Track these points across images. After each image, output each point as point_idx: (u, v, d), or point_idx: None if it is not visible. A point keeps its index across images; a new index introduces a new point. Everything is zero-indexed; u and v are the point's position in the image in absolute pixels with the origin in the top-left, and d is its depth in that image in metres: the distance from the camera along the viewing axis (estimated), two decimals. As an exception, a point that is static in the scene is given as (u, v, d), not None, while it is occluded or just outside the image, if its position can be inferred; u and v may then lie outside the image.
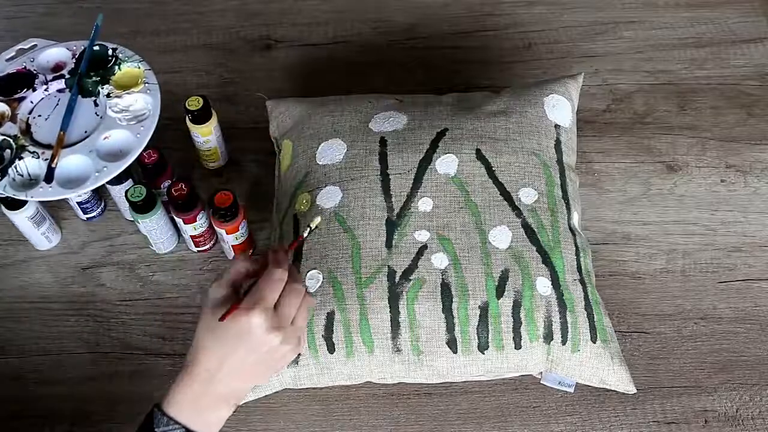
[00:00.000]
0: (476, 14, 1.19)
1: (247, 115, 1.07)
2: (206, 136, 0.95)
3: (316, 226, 0.73)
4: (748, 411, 0.83)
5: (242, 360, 0.66)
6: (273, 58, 1.14)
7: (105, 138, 0.88)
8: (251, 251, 0.93)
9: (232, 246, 0.90)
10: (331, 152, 0.87)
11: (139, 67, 0.93)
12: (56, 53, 0.96)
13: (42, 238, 0.94)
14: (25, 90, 0.93)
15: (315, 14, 1.19)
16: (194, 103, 0.92)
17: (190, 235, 0.91)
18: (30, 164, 0.87)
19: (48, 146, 0.88)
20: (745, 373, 0.85)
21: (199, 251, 0.94)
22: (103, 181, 0.85)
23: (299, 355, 0.77)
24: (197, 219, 0.89)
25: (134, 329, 0.89)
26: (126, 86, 0.91)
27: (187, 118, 0.94)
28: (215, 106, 0.95)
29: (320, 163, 0.86)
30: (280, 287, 0.66)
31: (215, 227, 0.89)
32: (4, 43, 1.16)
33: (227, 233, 0.88)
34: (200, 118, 0.93)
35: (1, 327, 0.90)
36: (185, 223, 0.88)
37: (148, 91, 0.91)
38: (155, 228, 0.90)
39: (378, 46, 1.15)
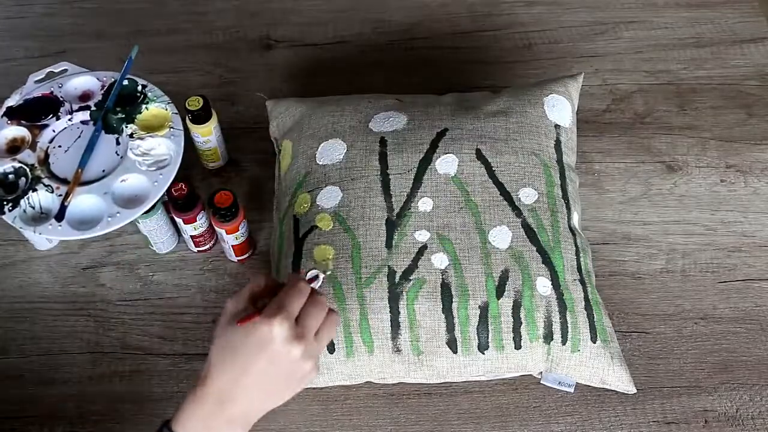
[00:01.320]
0: (476, 14, 1.19)
1: (247, 115, 1.07)
2: (206, 136, 0.95)
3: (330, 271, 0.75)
4: (748, 411, 0.83)
5: (260, 375, 0.62)
6: (273, 58, 1.14)
7: (122, 180, 0.87)
8: (251, 252, 0.93)
9: (232, 246, 0.90)
10: (331, 152, 0.87)
11: (166, 109, 0.92)
12: (85, 82, 0.96)
13: (42, 238, 0.94)
14: (49, 117, 0.92)
15: (315, 14, 1.19)
16: (194, 103, 0.92)
17: (190, 235, 0.91)
18: (43, 197, 0.87)
19: (64, 181, 0.88)
20: (745, 373, 0.85)
21: (199, 251, 0.94)
22: (114, 228, 0.85)
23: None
24: (197, 219, 0.89)
25: (134, 329, 0.89)
26: (150, 128, 0.91)
27: (187, 118, 0.94)
28: (215, 106, 0.95)
29: (320, 163, 0.86)
30: (303, 299, 0.63)
31: (215, 227, 0.89)
32: (5, 42, 1.16)
33: (227, 233, 0.88)
34: (200, 118, 0.93)
35: (1, 327, 0.90)
36: (185, 223, 0.89)
37: (172, 137, 0.90)
38: (155, 228, 0.90)
39: (378, 46, 1.15)
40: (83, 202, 0.87)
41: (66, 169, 0.90)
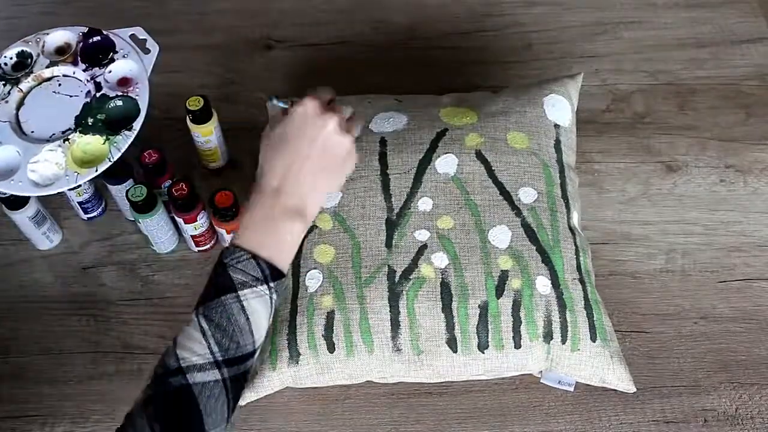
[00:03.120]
0: (476, 14, 1.19)
1: (247, 115, 1.07)
2: (206, 136, 0.95)
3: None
4: (747, 410, 0.83)
5: (305, 158, 0.68)
6: (273, 58, 1.14)
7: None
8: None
9: (233, 246, 0.90)
10: (332, 152, 0.87)
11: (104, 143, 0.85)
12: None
13: (43, 237, 0.94)
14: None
15: (315, 14, 1.19)
16: (195, 103, 0.92)
17: (191, 235, 0.91)
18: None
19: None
20: (744, 372, 0.85)
21: (199, 251, 0.94)
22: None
23: (299, 355, 0.78)
24: (198, 219, 0.89)
25: (135, 329, 0.89)
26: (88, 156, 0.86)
27: (187, 118, 0.94)
28: (215, 106, 0.95)
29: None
30: (329, 95, 0.71)
31: (215, 227, 0.89)
32: (4, 42, 1.16)
33: (228, 233, 0.88)
34: (201, 118, 0.93)
35: (2, 326, 0.90)
36: (186, 222, 0.89)
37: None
38: (156, 228, 0.90)
39: (378, 46, 1.15)
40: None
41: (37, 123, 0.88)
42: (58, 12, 1.21)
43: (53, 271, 0.94)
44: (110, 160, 0.83)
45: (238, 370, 0.64)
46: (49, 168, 0.85)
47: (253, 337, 0.65)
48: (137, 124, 0.85)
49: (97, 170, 0.83)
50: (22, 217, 0.90)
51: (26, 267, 0.95)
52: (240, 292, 0.64)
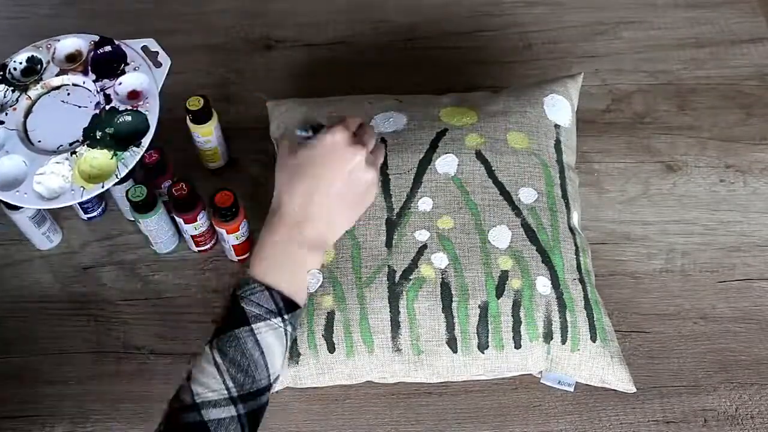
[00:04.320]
0: (476, 14, 1.19)
1: (247, 115, 1.07)
2: (206, 136, 0.95)
3: None
4: (747, 410, 0.83)
5: (329, 187, 0.65)
6: (273, 58, 1.14)
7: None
8: (251, 252, 0.94)
9: (233, 246, 0.90)
10: (331, 152, 0.87)
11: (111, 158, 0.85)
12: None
13: (43, 237, 0.94)
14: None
15: (315, 14, 1.19)
16: (195, 103, 0.92)
17: (191, 235, 0.91)
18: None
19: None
20: (744, 372, 0.85)
21: (199, 251, 0.94)
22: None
23: (299, 355, 0.78)
24: (198, 219, 0.89)
25: (135, 329, 0.89)
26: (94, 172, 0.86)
27: (187, 118, 0.94)
28: (215, 106, 0.95)
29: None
30: (358, 121, 0.68)
31: (216, 227, 0.89)
32: (7, 43, 1.17)
33: (228, 233, 0.88)
34: (201, 118, 0.93)
35: (2, 327, 0.90)
36: (186, 223, 0.89)
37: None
38: (156, 228, 0.90)
39: (378, 46, 1.15)
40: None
41: (43, 132, 0.87)
42: (60, 13, 1.21)
43: (53, 271, 0.94)
44: (117, 177, 0.83)
45: (255, 405, 0.63)
46: (56, 181, 0.84)
47: (269, 372, 0.64)
48: (146, 141, 0.85)
49: (103, 186, 0.83)
50: (22, 217, 0.90)
51: (26, 267, 0.95)
52: (254, 326, 0.63)
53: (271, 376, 0.64)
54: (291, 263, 0.65)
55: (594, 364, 0.79)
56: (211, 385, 0.61)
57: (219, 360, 0.62)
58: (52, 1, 1.22)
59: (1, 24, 1.20)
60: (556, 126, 0.88)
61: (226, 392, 0.61)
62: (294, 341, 0.78)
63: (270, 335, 0.64)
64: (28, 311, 0.91)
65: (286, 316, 0.64)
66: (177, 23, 1.18)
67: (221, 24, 1.18)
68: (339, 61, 1.13)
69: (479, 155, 0.84)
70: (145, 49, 0.93)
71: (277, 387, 0.80)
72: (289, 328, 0.65)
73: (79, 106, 0.90)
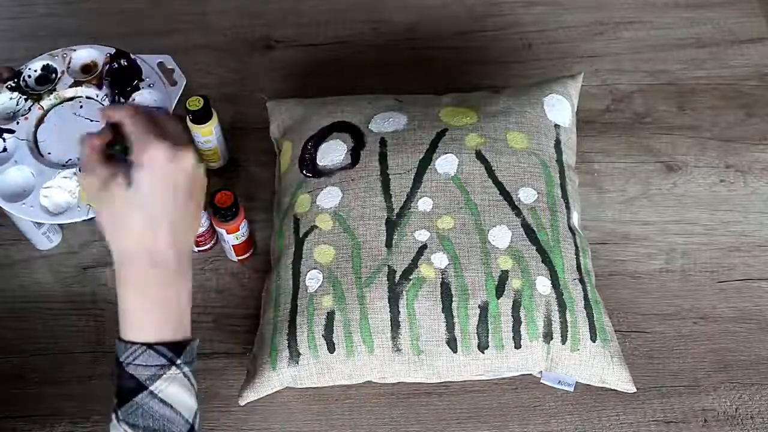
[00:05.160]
0: (476, 14, 1.19)
1: (247, 115, 1.07)
2: (206, 136, 0.95)
3: None
4: (747, 410, 0.83)
5: (173, 211, 0.60)
6: (273, 58, 1.14)
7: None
8: (251, 251, 0.94)
9: (233, 246, 0.90)
10: (331, 152, 0.87)
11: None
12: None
13: (43, 237, 0.94)
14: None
15: (315, 14, 1.19)
16: (195, 103, 0.92)
17: (191, 235, 0.91)
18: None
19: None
20: (744, 372, 0.85)
21: (199, 251, 0.94)
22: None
23: (299, 355, 0.78)
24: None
25: (135, 329, 0.89)
26: None
27: (187, 118, 0.94)
28: (215, 106, 0.95)
29: (320, 163, 0.87)
30: (139, 120, 0.61)
31: (215, 227, 0.89)
32: (7, 43, 1.17)
33: (228, 233, 0.88)
34: (201, 118, 0.93)
35: (2, 326, 0.90)
36: (186, 223, 0.89)
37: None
38: (156, 228, 0.90)
39: (378, 46, 1.15)
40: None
41: (54, 144, 0.87)
42: (60, 13, 1.21)
43: (53, 271, 0.94)
44: None
45: None
46: (62, 196, 0.84)
47: (184, 418, 0.61)
48: None
49: None
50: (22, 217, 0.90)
51: (26, 267, 0.95)
52: (152, 387, 0.59)
53: (189, 419, 0.61)
54: (157, 305, 0.60)
55: (594, 364, 0.79)
56: None
57: None
58: (52, 0, 1.22)
59: (2, 24, 1.20)
60: (556, 126, 0.88)
61: None
62: (294, 341, 0.78)
63: (171, 386, 0.60)
64: (28, 311, 0.91)
65: (178, 361, 0.60)
66: (177, 23, 1.18)
67: (221, 24, 1.18)
68: (339, 61, 1.13)
69: (479, 155, 0.84)
70: (161, 65, 0.93)
71: (277, 388, 0.80)
72: (186, 369, 0.61)
73: (91, 120, 0.90)
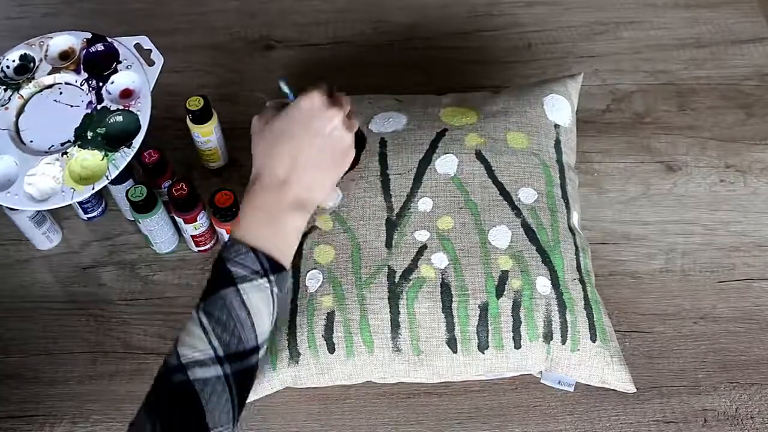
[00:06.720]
0: (476, 14, 1.19)
1: (247, 115, 1.05)
2: (206, 136, 0.95)
3: None
4: (747, 410, 0.83)
5: (308, 149, 0.68)
6: (273, 58, 1.14)
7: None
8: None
9: (233, 246, 0.90)
10: (331, 152, 0.87)
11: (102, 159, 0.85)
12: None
13: (43, 237, 0.94)
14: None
15: (315, 14, 1.19)
16: (195, 103, 0.92)
17: (191, 235, 0.91)
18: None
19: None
20: (744, 372, 0.85)
21: (199, 251, 0.94)
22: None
23: (299, 355, 0.78)
24: (198, 219, 0.89)
25: (135, 329, 0.89)
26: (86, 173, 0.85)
27: (187, 118, 0.94)
28: (215, 106, 0.95)
29: (320, 163, 0.87)
30: (327, 90, 0.71)
31: (216, 227, 0.89)
32: (6, 43, 1.17)
33: (228, 233, 0.88)
34: (201, 118, 0.93)
35: (2, 327, 0.90)
36: (186, 222, 0.89)
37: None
38: (156, 228, 0.90)
39: (378, 46, 1.15)
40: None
41: (35, 133, 0.87)
42: (60, 12, 1.21)
43: (53, 271, 0.94)
44: (108, 178, 0.83)
45: (241, 366, 0.64)
46: (47, 182, 0.84)
47: (255, 332, 0.64)
48: (137, 142, 0.85)
49: (93, 188, 0.83)
50: (21, 217, 0.90)
51: (26, 267, 0.95)
52: (240, 286, 0.64)
53: (258, 337, 0.65)
54: (274, 226, 0.66)
55: (594, 364, 0.79)
56: (197, 345, 0.62)
57: (205, 321, 0.63)
58: (52, 0, 1.22)
59: (2, 24, 1.20)
60: (556, 126, 0.88)
61: (211, 352, 0.62)
62: (294, 341, 0.78)
63: (256, 296, 0.64)
64: (28, 311, 0.91)
65: (272, 277, 0.65)
66: (177, 23, 1.18)
67: (221, 24, 1.18)
68: (339, 61, 1.13)
69: (479, 155, 0.84)
70: (137, 46, 0.92)
71: (277, 388, 0.80)
72: (275, 289, 0.65)
73: (71, 106, 0.89)
